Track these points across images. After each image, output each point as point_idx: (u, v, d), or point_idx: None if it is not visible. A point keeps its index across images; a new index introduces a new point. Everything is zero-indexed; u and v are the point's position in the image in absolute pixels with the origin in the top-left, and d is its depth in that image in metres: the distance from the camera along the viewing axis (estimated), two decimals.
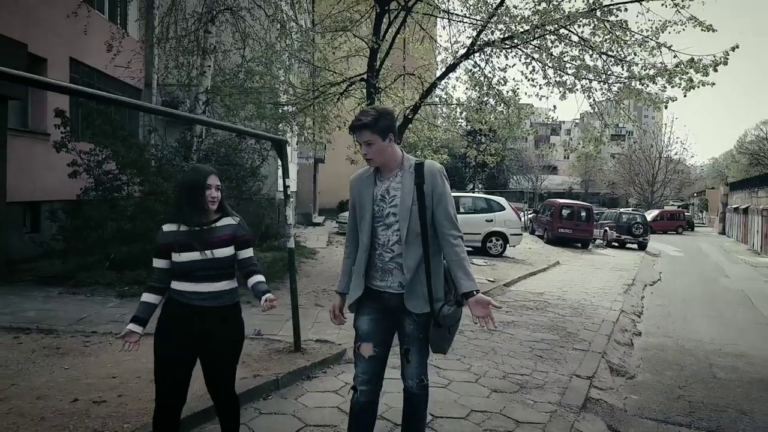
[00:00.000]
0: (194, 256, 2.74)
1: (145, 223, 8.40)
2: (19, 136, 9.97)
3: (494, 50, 9.22)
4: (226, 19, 11.30)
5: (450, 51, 10.27)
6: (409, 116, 9.92)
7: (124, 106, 8.18)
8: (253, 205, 12.64)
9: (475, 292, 2.64)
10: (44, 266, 9.02)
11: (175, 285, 2.80)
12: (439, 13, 10.53)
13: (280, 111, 10.78)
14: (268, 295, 2.74)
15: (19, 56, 8.23)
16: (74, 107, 11.06)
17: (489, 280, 10.61)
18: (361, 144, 2.77)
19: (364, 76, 10.13)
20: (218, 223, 2.86)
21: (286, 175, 5.24)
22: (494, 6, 9.17)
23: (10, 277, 8.33)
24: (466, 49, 9.47)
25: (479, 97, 10.07)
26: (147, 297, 2.84)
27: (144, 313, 2.81)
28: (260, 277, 2.86)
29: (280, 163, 5.31)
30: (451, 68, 9.72)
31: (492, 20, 9.08)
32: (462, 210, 15.27)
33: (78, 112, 10.50)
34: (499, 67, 9.00)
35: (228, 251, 2.80)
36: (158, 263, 2.82)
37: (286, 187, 5.28)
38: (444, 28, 12.58)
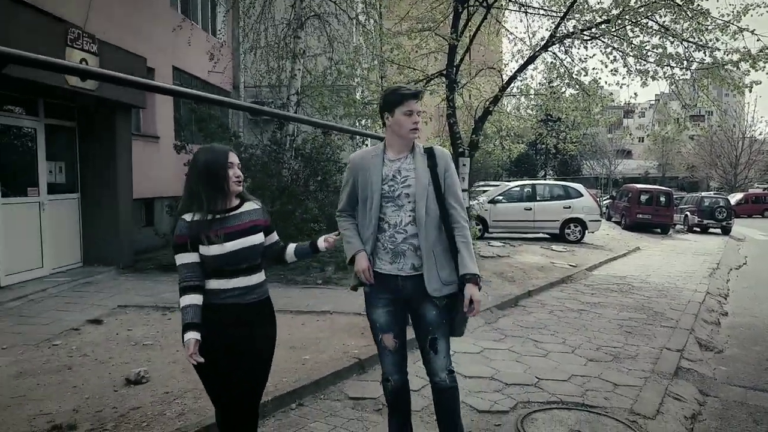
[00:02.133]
0: (225, 248, 2.47)
1: None
2: (134, 139, 11.15)
3: (573, 41, 9.53)
4: (313, 24, 12.11)
5: (527, 43, 10.65)
6: (490, 108, 10.37)
7: (242, 110, 9.01)
8: (334, 196, 13.45)
9: (478, 277, 2.72)
10: (165, 255, 10.13)
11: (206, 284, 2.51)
12: (517, 6, 10.88)
13: (365, 108, 11.46)
14: (325, 235, 2.73)
15: (141, 68, 9.30)
16: (187, 113, 12.21)
17: (571, 265, 10.92)
18: (412, 113, 2.72)
19: (444, 72, 10.65)
20: (242, 209, 2.60)
21: None
22: None
23: (138, 266, 9.44)
24: (544, 41, 9.79)
25: (557, 86, 10.39)
26: (189, 299, 2.47)
27: (195, 316, 2.46)
28: (294, 243, 2.78)
29: None
30: (531, 60, 10.07)
31: (570, 12, 9.38)
32: (539, 197, 15.53)
33: (191, 118, 11.55)
34: (579, 58, 9.24)
35: (259, 238, 2.58)
36: (186, 258, 2.48)
37: None
38: (521, 21, 12.87)
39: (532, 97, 10.80)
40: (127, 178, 9.42)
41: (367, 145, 13.10)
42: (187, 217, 2.49)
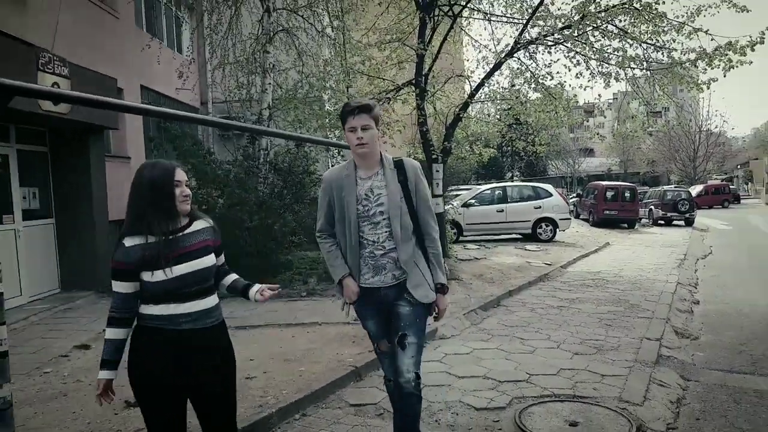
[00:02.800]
0: (173, 272, 2.27)
1: (232, 231, 9.30)
2: (106, 161, 11.03)
3: (538, 47, 9.85)
4: (281, 39, 12.20)
5: (493, 50, 10.94)
6: (460, 114, 10.60)
7: (219, 126, 9.01)
8: (313, 207, 13.52)
9: (445, 288, 2.92)
10: None
11: (150, 310, 2.31)
12: (481, 15, 11.17)
13: (337, 120, 11.58)
14: (262, 285, 2.55)
15: (112, 89, 9.25)
16: (158, 131, 12.16)
17: (546, 263, 11.21)
18: (356, 129, 2.71)
19: (413, 81, 10.86)
20: (191, 228, 2.41)
21: None
22: (534, 7, 9.77)
23: None
24: (509, 48, 10.08)
25: (524, 91, 10.70)
26: (113, 333, 2.31)
27: (115, 353, 2.32)
28: (236, 276, 2.64)
29: None
30: (497, 66, 10.35)
31: (532, 19, 9.70)
32: (510, 199, 15.87)
33: (162, 136, 11.49)
34: (544, 63, 9.56)
35: (211, 259, 2.41)
36: (121, 287, 2.29)
37: None
38: (485, 28, 13.18)
39: (499, 102, 11.05)
40: (102, 201, 9.35)
41: (342, 156, 13.26)
42: (128, 241, 2.28)
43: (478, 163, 16.91)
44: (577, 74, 9.28)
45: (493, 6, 10.22)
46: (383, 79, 11.35)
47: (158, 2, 14.27)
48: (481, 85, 10.40)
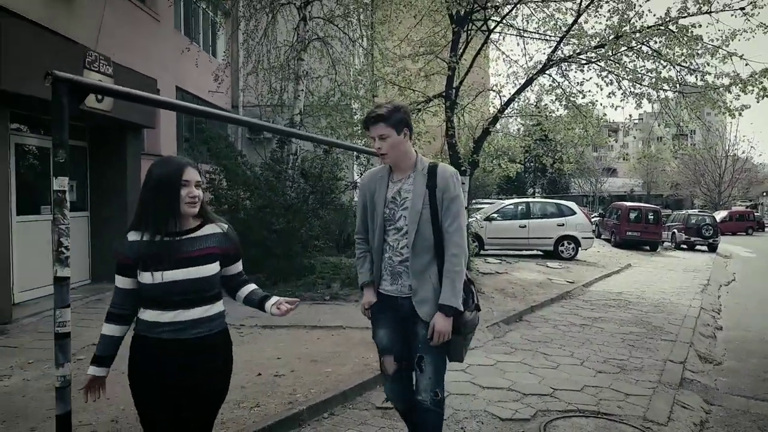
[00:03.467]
0: (164, 276, 2.17)
1: (260, 233, 9.47)
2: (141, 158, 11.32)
3: (570, 65, 9.92)
4: (314, 46, 12.43)
5: (524, 66, 11.03)
6: (489, 128, 10.70)
7: (259, 128, 9.21)
8: (338, 213, 13.67)
9: (451, 309, 2.60)
10: None
11: (141, 314, 2.25)
12: (514, 31, 11.27)
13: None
14: (273, 298, 2.38)
15: (152, 89, 9.51)
16: (191, 131, 12.43)
17: (568, 281, 11.20)
18: (375, 139, 2.68)
19: (443, 93, 10.98)
20: (199, 232, 2.28)
21: None
22: (568, 25, 9.86)
23: None
24: (542, 65, 10.16)
25: (554, 107, 10.77)
26: (108, 329, 2.29)
27: (106, 349, 2.29)
28: (254, 286, 2.45)
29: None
30: (529, 82, 10.43)
31: (566, 37, 9.78)
32: (533, 215, 15.87)
33: (196, 137, 11.76)
34: (577, 82, 9.63)
35: (210, 269, 2.24)
36: (120, 282, 2.26)
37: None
38: (517, 44, 13.29)
39: (529, 117, 11.11)
40: (135, 197, 9.57)
41: (372, 165, 13.41)
42: (131, 236, 2.23)
43: (503, 177, 16.98)
44: (609, 94, 9.32)
45: (527, 23, 10.26)
46: (414, 90, 11.49)
47: (197, 6, 14.60)
48: (511, 100, 10.49)
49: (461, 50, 10.67)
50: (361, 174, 13.55)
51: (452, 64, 10.46)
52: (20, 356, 5.43)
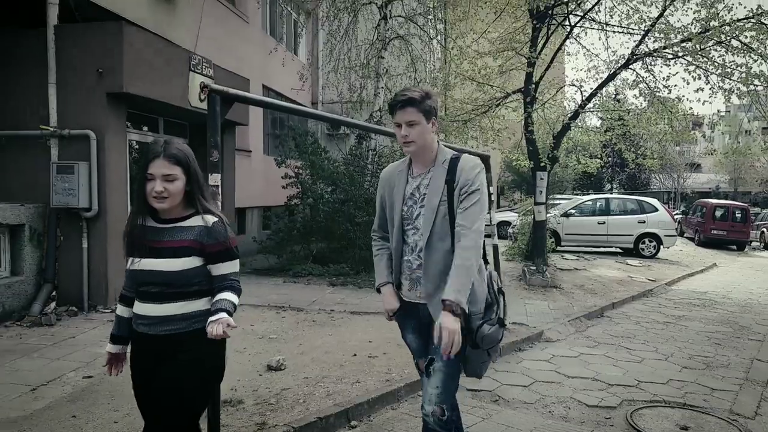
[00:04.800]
0: (139, 264, 2.16)
1: (343, 224, 9.94)
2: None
3: (654, 60, 9.76)
4: (394, 44, 12.77)
5: (605, 61, 10.91)
6: (569, 124, 10.69)
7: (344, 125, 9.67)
8: None
9: (454, 305, 2.22)
10: (257, 261, 10.93)
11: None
12: (596, 25, 11.14)
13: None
14: (221, 315, 2.04)
15: (245, 89, 10.14)
16: (278, 127, 13.11)
17: (649, 279, 11.04)
18: (402, 125, 2.41)
19: (522, 89, 11.04)
20: (183, 223, 2.18)
21: (490, 184, 6.35)
22: (653, 19, 9.69)
23: (240, 270, 10.24)
24: (625, 59, 10.04)
25: (631, 101, 10.62)
26: (119, 309, 2.34)
27: (118, 329, 2.33)
28: (226, 294, 2.16)
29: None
30: (611, 77, 10.33)
31: (651, 31, 9.62)
32: (612, 211, 15.60)
33: (284, 132, 12.40)
34: (662, 77, 9.47)
35: (183, 263, 2.11)
36: (126, 262, 2.26)
37: (490, 194, 6.38)
38: (599, 38, 13.08)
39: (611, 112, 10.97)
40: (231, 189, 10.25)
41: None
42: (131, 217, 2.23)
43: (580, 173, 16.77)
44: (697, 89, 9.12)
45: (610, 16, 10.13)
46: (491, 86, 11.61)
47: (280, 7, 15.27)
48: (593, 95, 10.44)
49: (541, 46, 10.70)
50: None
51: (532, 60, 10.51)
52: None
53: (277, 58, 13.21)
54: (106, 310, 6.82)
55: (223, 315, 2.04)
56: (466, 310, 2.29)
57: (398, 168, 2.63)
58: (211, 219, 2.18)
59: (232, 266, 2.22)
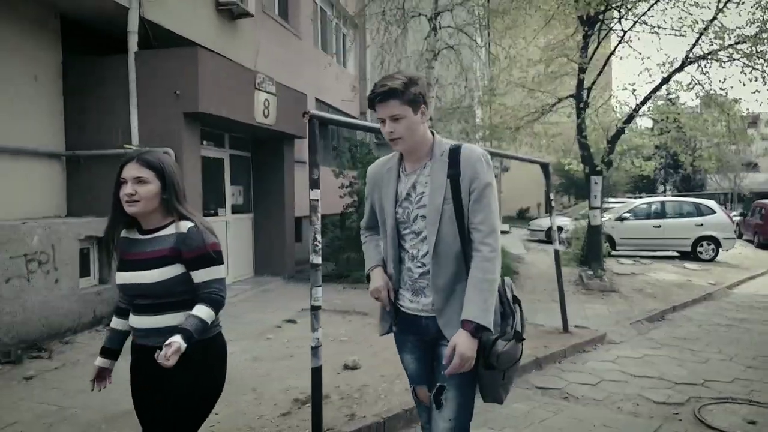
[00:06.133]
0: (121, 277, 2.12)
1: None
2: None
3: (709, 62, 9.73)
4: (443, 54, 13.04)
5: (658, 64, 10.91)
6: (623, 127, 10.73)
7: None
8: None
9: (477, 327, 1.98)
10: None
11: None
12: (648, 28, 11.16)
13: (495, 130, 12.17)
14: (173, 340, 1.89)
15: (303, 103, 10.62)
16: (328, 140, 13.58)
17: (710, 283, 10.91)
18: (385, 121, 2.09)
19: (574, 94, 11.14)
20: (161, 232, 2.11)
21: (549, 190, 6.54)
22: (706, 21, 9.67)
23: (298, 276, 10.67)
24: (680, 62, 10.04)
25: (685, 103, 10.55)
26: (113, 321, 2.29)
27: (110, 342, 2.28)
28: (199, 309, 2.03)
29: (544, 182, 6.62)
30: (666, 80, 10.33)
31: (704, 34, 9.61)
32: (668, 214, 15.41)
33: (339, 144, 12.86)
34: (718, 79, 9.43)
35: (160, 273, 2.04)
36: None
37: (550, 200, 6.57)
38: (651, 41, 13.03)
39: (666, 114, 10.92)
40: (291, 199, 10.72)
41: (501, 164, 13.82)
42: (125, 231, 2.18)
43: (633, 176, 16.63)
44: (754, 90, 9.06)
45: (664, 21, 10.15)
46: (542, 92, 11.74)
47: (330, 22, 15.77)
48: (647, 98, 10.46)
49: (592, 51, 10.78)
50: (497, 176, 14.07)
51: (583, 66, 10.61)
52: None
53: (327, 71, 13.67)
54: None
55: (175, 340, 1.89)
56: (492, 331, 2.02)
57: (386, 164, 2.30)
58: (186, 225, 2.09)
59: (211, 273, 2.08)
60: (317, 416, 3.41)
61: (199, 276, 2.07)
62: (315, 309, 3.36)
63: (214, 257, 2.10)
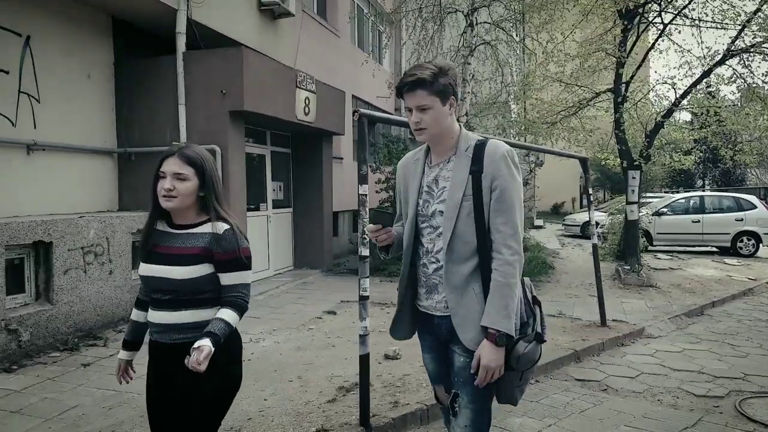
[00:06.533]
0: (147, 269, 2.11)
1: None
2: None
3: (752, 55, 9.56)
4: (479, 50, 13.07)
5: (699, 57, 10.73)
6: (662, 122, 10.61)
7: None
8: None
9: (501, 335, 1.95)
10: (352, 261, 11.56)
11: None
12: (688, 21, 10.99)
13: (533, 125, 12.14)
14: (203, 343, 1.90)
15: (342, 101, 10.82)
16: (379, 138, 13.79)
17: (750, 278, 10.75)
18: (412, 110, 2.07)
19: (612, 89, 11.04)
20: (195, 229, 2.11)
21: (588, 185, 6.59)
22: (749, 13, 9.48)
23: (335, 270, 10.90)
24: (720, 56, 9.88)
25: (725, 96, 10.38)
26: (134, 313, 2.30)
27: (131, 334, 2.29)
28: (225, 312, 2.05)
29: (582, 176, 6.66)
30: (706, 74, 10.18)
31: (746, 27, 9.43)
32: (707, 209, 15.17)
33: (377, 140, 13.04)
34: (761, 72, 9.27)
35: (188, 271, 2.04)
36: None
37: (589, 195, 6.61)
38: (692, 35, 12.82)
39: (707, 107, 10.74)
40: (329, 194, 10.94)
41: (538, 158, 13.79)
42: (149, 220, 2.19)
43: (670, 170, 16.37)
44: None
45: (705, 13, 9.98)
46: (579, 86, 11.66)
47: (366, 19, 15.92)
48: (687, 92, 10.34)
49: (631, 45, 10.67)
50: (531, 171, 14.08)
51: (622, 60, 10.51)
52: (264, 325, 6.71)
53: (364, 68, 13.84)
54: None
55: (206, 344, 1.91)
56: (514, 337, 2.00)
57: (415, 156, 2.30)
58: (222, 226, 2.09)
59: (239, 277, 2.10)
60: (365, 402, 3.59)
61: (228, 279, 2.08)
62: (363, 299, 3.52)
63: (245, 262, 2.11)
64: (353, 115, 3.35)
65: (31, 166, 6.39)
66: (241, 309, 2.09)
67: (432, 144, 2.20)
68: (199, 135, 7.49)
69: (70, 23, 6.79)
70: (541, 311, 2.17)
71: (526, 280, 2.21)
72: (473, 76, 12.62)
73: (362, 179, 3.44)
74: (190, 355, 1.87)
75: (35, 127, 6.43)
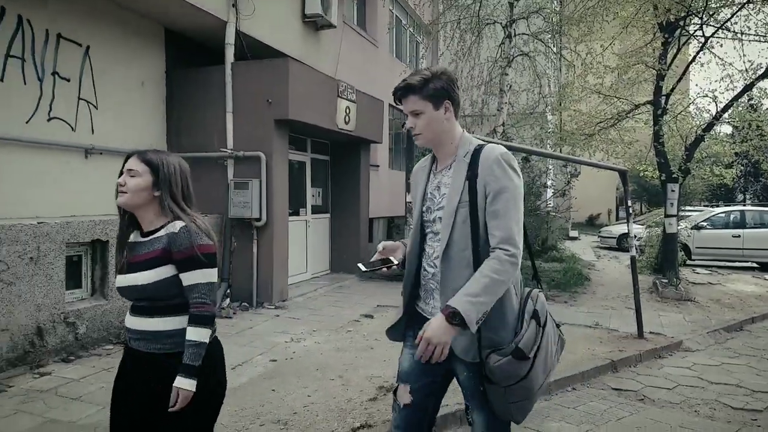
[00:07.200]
0: (118, 280, 2.10)
1: None
2: None
3: None
4: (517, 61, 13.16)
5: (742, 70, 10.61)
6: (702, 135, 10.52)
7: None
8: (535, 219, 14.28)
9: (455, 314, 1.87)
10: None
11: None
12: (730, 34, 10.88)
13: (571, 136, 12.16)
14: (180, 383, 1.94)
15: (381, 110, 11.05)
16: (399, 143, 13.96)
17: None
18: (408, 116, 2.14)
19: (652, 101, 11.00)
20: (157, 234, 2.08)
21: (627, 197, 6.63)
22: None
23: (371, 274, 11.07)
24: (763, 69, 9.78)
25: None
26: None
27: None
28: (192, 331, 1.99)
29: (620, 187, 6.69)
30: (748, 87, 10.09)
31: None
32: (749, 224, 14.89)
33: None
34: None
35: (152, 275, 2.00)
36: None
37: (627, 207, 6.65)
38: (734, 48, 12.67)
39: (748, 121, 10.61)
40: (366, 200, 11.14)
41: (575, 170, 13.78)
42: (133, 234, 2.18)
43: (710, 184, 16.15)
44: None
45: (748, 27, 9.90)
46: (618, 98, 11.64)
47: (404, 30, 16.14)
48: (729, 105, 10.24)
49: (671, 58, 10.63)
50: (568, 182, 14.06)
51: (662, 72, 10.48)
52: (305, 326, 6.92)
53: (401, 78, 14.00)
54: (271, 307, 7.83)
55: (183, 387, 1.94)
56: (473, 330, 1.90)
57: (423, 163, 2.32)
58: (178, 225, 2.04)
59: (199, 276, 2.02)
60: None
61: (187, 279, 2.02)
62: None
63: (203, 260, 2.02)
64: (402, 127, 3.51)
65: (88, 168, 6.73)
66: (204, 321, 2.01)
67: (434, 149, 2.24)
68: (245, 142, 7.77)
69: (126, 34, 7.14)
70: (539, 329, 2.05)
71: (536, 293, 2.16)
72: (510, 86, 12.70)
73: (408, 187, 3.60)
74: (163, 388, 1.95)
75: (93, 132, 6.77)
